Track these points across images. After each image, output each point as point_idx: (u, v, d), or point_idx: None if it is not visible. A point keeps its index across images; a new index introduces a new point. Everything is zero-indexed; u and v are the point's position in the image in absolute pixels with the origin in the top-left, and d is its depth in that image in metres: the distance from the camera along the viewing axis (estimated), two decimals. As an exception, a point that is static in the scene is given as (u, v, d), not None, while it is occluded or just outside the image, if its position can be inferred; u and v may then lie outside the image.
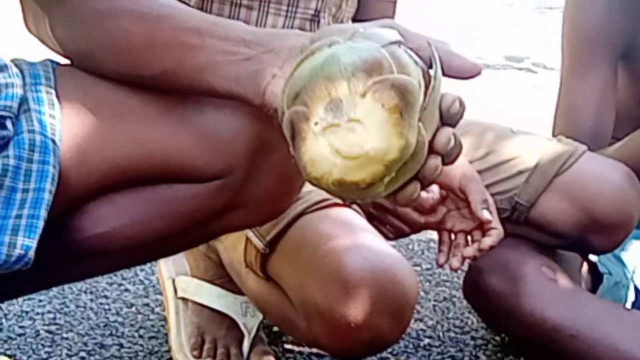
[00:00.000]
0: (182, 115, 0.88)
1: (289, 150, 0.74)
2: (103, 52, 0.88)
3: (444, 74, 0.75)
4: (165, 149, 0.88)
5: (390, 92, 0.67)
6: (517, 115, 3.36)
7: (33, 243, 0.78)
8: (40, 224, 0.78)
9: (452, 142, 0.73)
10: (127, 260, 0.99)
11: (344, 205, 1.18)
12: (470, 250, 1.26)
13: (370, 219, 1.27)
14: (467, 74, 0.76)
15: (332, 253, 1.10)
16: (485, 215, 1.25)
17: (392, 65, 0.69)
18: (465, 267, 1.43)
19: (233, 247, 1.26)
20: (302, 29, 1.33)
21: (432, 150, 0.72)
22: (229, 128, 0.89)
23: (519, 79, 4.22)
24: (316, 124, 0.69)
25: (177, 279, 1.43)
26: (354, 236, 1.11)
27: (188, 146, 0.88)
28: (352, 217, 1.16)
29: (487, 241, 1.25)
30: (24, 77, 0.88)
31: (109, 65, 0.88)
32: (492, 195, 1.39)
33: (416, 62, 0.71)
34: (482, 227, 1.27)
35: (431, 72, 0.73)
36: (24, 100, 0.85)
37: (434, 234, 1.69)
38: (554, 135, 1.55)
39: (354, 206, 1.22)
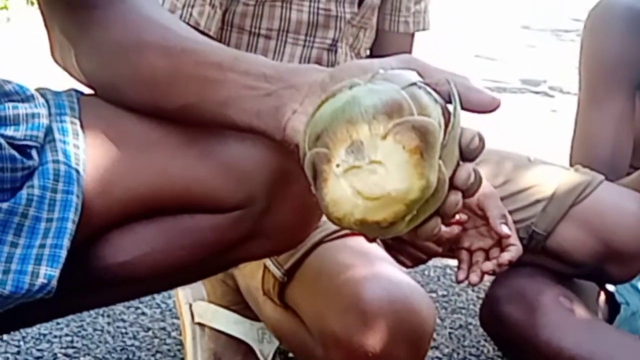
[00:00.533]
0: (205, 146, 0.89)
1: (310, 189, 0.75)
2: (127, 84, 0.89)
3: (463, 108, 0.75)
4: (187, 180, 0.88)
5: (411, 133, 0.68)
6: (533, 140, 3.36)
7: (56, 273, 0.79)
8: (63, 253, 0.79)
9: (472, 178, 0.73)
10: (147, 288, 0.99)
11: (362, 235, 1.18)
12: (489, 265, 1.26)
13: (388, 247, 1.27)
14: (486, 108, 0.77)
15: (350, 283, 1.10)
16: (505, 230, 1.25)
17: (412, 107, 0.70)
18: (482, 295, 1.43)
19: (251, 274, 1.26)
20: (319, 58, 1.34)
21: (452, 186, 0.72)
22: (250, 159, 0.90)
23: (536, 102, 4.22)
24: (338, 165, 0.70)
25: (194, 305, 1.44)
26: (372, 266, 1.11)
27: (210, 177, 0.89)
28: (370, 246, 1.17)
29: (506, 256, 1.25)
30: (49, 107, 0.89)
31: (132, 96, 0.89)
32: (510, 223, 1.40)
33: (436, 100, 0.72)
34: (501, 244, 1.27)
35: (450, 107, 0.74)
36: (49, 130, 0.87)
37: (450, 260, 1.69)
38: (571, 164, 1.55)
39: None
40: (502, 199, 1.42)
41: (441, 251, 1.30)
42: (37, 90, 0.92)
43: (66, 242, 0.79)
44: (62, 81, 0.98)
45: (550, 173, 1.45)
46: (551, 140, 3.24)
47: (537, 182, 1.43)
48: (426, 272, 1.91)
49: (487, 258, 1.28)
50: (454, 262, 1.34)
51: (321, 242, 1.17)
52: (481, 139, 0.74)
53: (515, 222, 1.40)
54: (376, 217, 0.70)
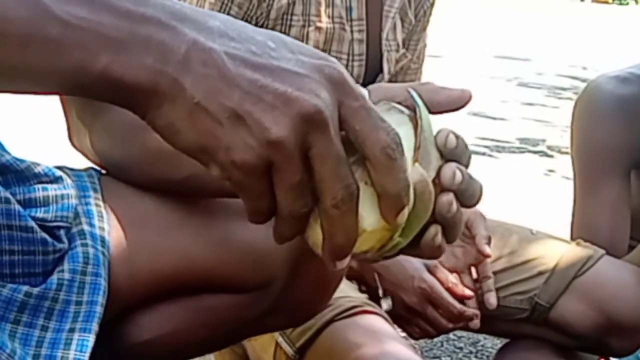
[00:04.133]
0: (225, 228, 0.91)
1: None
2: (136, 160, 0.91)
3: (438, 112, 0.75)
4: (209, 263, 0.91)
5: (365, 168, 0.66)
6: (531, 201, 3.39)
7: (84, 357, 0.81)
8: (92, 338, 0.81)
9: (459, 176, 0.69)
10: None
11: (373, 312, 1.22)
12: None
13: (398, 319, 1.31)
14: (458, 103, 0.76)
15: None
16: (488, 250, 1.35)
17: None
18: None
19: (263, 348, 1.28)
20: None
21: (442, 189, 0.70)
22: (270, 241, 0.92)
23: (534, 162, 4.25)
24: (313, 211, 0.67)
25: (203, 371, 1.45)
26: (382, 344, 1.14)
27: (231, 260, 0.91)
28: (380, 324, 1.20)
29: (491, 299, 1.37)
30: (73, 188, 0.92)
31: (142, 172, 0.91)
32: (513, 295, 1.44)
33: (401, 111, 0.71)
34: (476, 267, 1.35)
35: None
36: (75, 212, 0.89)
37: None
38: (572, 237, 1.58)
39: (383, 312, 1.25)
40: (506, 269, 1.47)
41: (451, 327, 1.33)
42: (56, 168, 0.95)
43: (95, 327, 0.81)
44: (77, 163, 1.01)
45: (553, 246, 1.49)
46: (549, 201, 3.27)
47: (540, 255, 1.47)
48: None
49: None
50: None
51: (332, 320, 1.19)
52: (457, 137, 0.71)
53: (518, 293, 1.45)
54: (363, 248, 0.69)
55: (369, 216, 0.67)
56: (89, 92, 0.63)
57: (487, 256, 1.34)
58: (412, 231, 0.69)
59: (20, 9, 0.59)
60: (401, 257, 1.35)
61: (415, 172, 0.69)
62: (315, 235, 0.67)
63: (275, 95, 0.61)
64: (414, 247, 0.71)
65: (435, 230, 0.70)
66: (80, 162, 0.99)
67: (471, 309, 1.33)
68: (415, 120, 0.71)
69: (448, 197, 0.69)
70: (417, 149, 0.69)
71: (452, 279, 1.33)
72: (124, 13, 0.60)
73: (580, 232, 1.57)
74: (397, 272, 1.34)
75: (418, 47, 1.56)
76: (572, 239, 1.58)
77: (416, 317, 1.32)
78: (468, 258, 1.38)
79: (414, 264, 1.34)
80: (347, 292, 1.26)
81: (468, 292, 1.32)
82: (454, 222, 0.70)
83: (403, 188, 0.65)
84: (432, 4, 1.56)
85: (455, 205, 0.69)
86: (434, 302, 1.32)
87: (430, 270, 1.35)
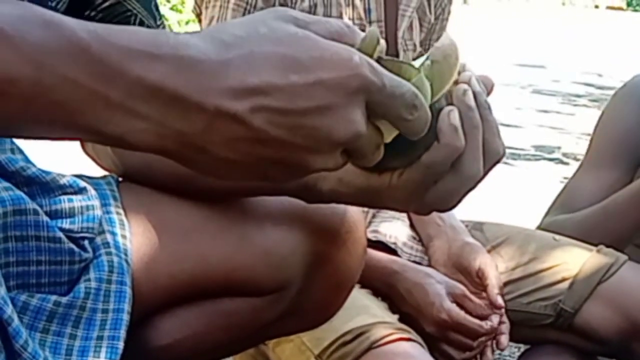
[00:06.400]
0: (242, 233, 0.92)
1: None
2: (157, 160, 0.92)
3: None
4: (227, 267, 0.92)
5: None
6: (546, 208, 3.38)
7: None
8: (121, 345, 0.81)
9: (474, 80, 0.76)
10: None
11: (408, 339, 1.21)
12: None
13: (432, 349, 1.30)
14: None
15: None
16: (500, 301, 1.32)
17: None
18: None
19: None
20: None
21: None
22: (286, 244, 0.93)
23: (550, 170, 4.23)
24: None
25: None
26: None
27: (249, 264, 0.92)
28: (417, 352, 1.19)
29: (504, 340, 1.33)
30: (93, 197, 0.92)
31: (164, 172, 0.90)
32: (538, 300, 1.44)
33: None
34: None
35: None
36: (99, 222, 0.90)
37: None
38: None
39: (419, 338, 1.24)
40: (528, 276, 1.46)
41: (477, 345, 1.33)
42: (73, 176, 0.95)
43: (123, 333, 0.82)
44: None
45: (576, 252, 1.48)
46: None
47: (563, 261, 1.47)
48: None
49: None
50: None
51: (370, 348, 1.19)
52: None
53: (543, 299, 1.44)
54: None
55: None
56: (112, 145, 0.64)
57: (499, 307, 1.32)
58: (436, 87, 0.71)
59: (26, 69, 0.57)
60: (425, 281, 1.36)
61: (446, 37, 0.71)
62: None
63: (310, 138, 0.62)
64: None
65: (449, 109, 0.72)
66: (90, 167, 0.99)
67: (497, 320, 1.31)
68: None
69: (464, 86, 0.73)
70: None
71: (480, 308, 1.32)
72: (134, 79, 0.59)
73: (562, 196, 1.59)
74: (419, 297, 1.33)
75: None
76: (548, 212, 1.60)
77: (438, 342, 1.32)
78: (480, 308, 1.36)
79: (437, 289, 1.32)
80: (382, 316, 1.25)
81: (500, 302, 1.31)
82: (469, 107, 0.73)
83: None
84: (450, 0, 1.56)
85: (470, 93, 0.73)
86: (454, 329, 1.31)
87: (455, 298, 1.33)
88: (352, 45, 0.66)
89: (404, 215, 1.47)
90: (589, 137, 1.71)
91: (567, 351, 1.45)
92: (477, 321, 1.30)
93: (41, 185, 0.86)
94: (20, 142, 0.84)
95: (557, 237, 1.52)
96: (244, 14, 1.34)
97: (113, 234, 0.89)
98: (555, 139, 5.01)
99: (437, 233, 1.42)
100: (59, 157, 2.11)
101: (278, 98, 0.61)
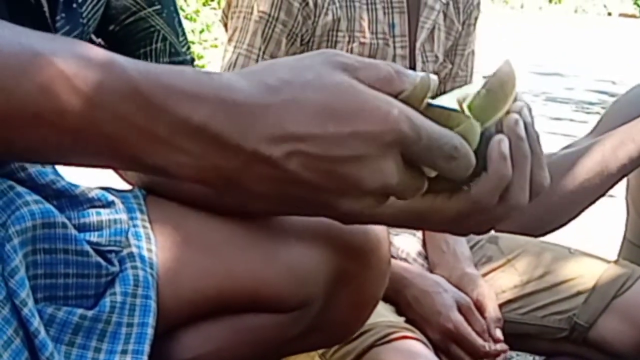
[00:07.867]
0: (268, 248, 0.93)
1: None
2: None
3: None
4: (252, 282, 0.92)
5: None
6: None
7: None
8: (145, 359, 0.83)
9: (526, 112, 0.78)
10: None
11: (413, 338, 1.22)
12: None
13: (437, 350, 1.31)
14: None
15: None
16: (499, 334, 1.33)
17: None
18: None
19: (301, 371, 1.29)
20: None
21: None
22: (311, 261, 0.94)
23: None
24: None
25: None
26: (421, 370, 1.15)
27: (273, 279, 0.93)
28: (420, 349, 1.20)
29: None
30: (121, 211, 0.93)
31: (193, 185, 0.93)
32: (552, 314, 1.44)
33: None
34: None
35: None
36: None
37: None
38: None
39: (422, 337, 1.25)
40: (542, 290, 1.47)
41: None
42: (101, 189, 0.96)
43: (147, 348, 0.83)
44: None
45: (591, 265, 1.48)
46: (580, 217, 3.24)
47: (579, 274, 1.47)
48: None
49: None
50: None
51: (372, 346, 1.20)
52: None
53: (557, 313, 1.44)
54: None
55: None
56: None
57: (499, 341, 1.33)
58: (489, 115, 0.71)
59: (78, 103, 0.60)
60: (434, 290, 1.37)
61: (507, 64, 0.71)
62: None
63: (339, 183, 0.65)
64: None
65: (500, 137, 0.73)
66: (116, 180, 1.00)
67: (498, 346, 1.32)
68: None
69: (516, 115, 0.74)
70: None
71: (483, 324, 1.33)
72: (180, 118, 0.62)
73: None
74: (426, 305, 1.33)
75: (465, 52, 1.57)
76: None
77: (440, 351, 1.33)
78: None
79: (445, 299, 1.33)
80: (386, 315, 1.26)
81: (498, 335, 1.33)
82: (519, 137, 0.74)
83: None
84: (478, 5, 1.57)
85: (521, 123, 0.74)
86: (458, 342, 1.32)
87: (462, 310, 1.34)
88: (401, 92, 0.67)
89: (419, 231, 1.48)
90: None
91: (580, 364, 1.46)
92: (481, 341, 1.31)
93: (70, 199, 0.87)
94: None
95: (573, 249, 1.53)
96: (265, 26, 1.36)
97: (139, 247, 0.90)
98: (568, 147, 4.99)
99: (440, 261, 1.42)
100: (86, 170, 2.12)
101: (313, 145, 0.63)
